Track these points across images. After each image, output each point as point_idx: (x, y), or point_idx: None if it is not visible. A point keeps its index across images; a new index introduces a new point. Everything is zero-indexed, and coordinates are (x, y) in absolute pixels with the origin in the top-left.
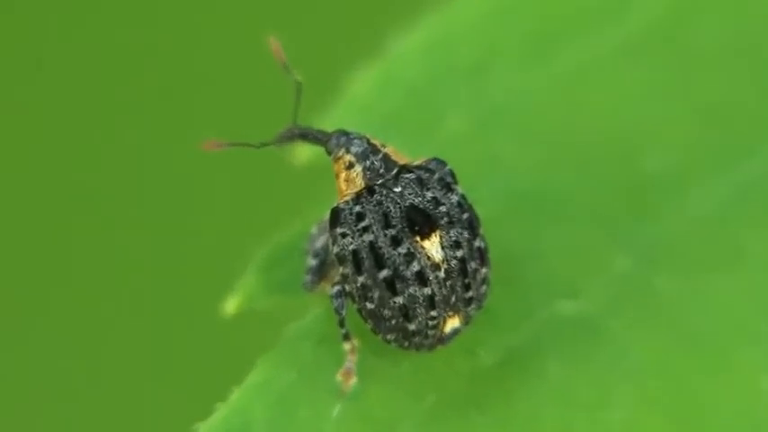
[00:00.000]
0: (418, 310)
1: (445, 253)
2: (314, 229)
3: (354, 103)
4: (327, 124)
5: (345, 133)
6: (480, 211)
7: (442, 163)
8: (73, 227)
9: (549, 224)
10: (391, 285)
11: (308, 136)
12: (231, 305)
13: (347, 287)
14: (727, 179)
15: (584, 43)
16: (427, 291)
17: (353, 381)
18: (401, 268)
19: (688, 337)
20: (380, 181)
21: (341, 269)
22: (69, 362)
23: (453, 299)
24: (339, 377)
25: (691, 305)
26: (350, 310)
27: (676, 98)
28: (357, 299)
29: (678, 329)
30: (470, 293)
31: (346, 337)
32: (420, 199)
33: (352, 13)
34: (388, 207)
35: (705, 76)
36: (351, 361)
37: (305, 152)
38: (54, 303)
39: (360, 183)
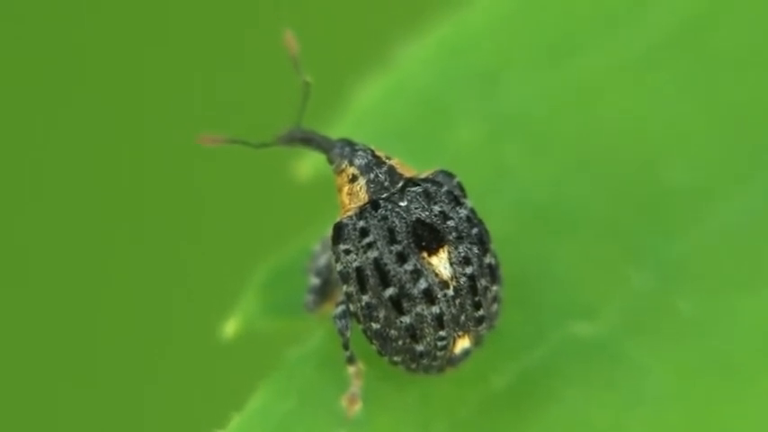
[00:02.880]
0: (426, 330)
1: (454, 269)
2: (316, 247)
3: (362, 112)
4: (334, 133)
5: (350, 143)
6: (491, 225)
7: (450, 175)
8: (70, 241)
9: (563, 240)
10: (397, 304)
11: (310, 141)
12: (230, 327)
13: (351, 307)
14: (753, 192)
15: (601, 50)
16: (435, 309)
17: (358, 406)
18: (408, 286)
19: (713, 361)
20: (385, 195)
21: (344, 288)
22: (65, 381)
23: (463, 318)
24: (343, 402)
25: (715, 326)
26: (355, 331)
27: (698, 108)
28: (362, 319)
29: (702, 352)
30: (481, 312)
31: (351, 361)
32: (427, 213)
33: (358, 19)
34: (393, 222)
35: (728, 85)
36: (356, 385)
37: (307, 166)
38: (50, 320)
39: (363, 196)
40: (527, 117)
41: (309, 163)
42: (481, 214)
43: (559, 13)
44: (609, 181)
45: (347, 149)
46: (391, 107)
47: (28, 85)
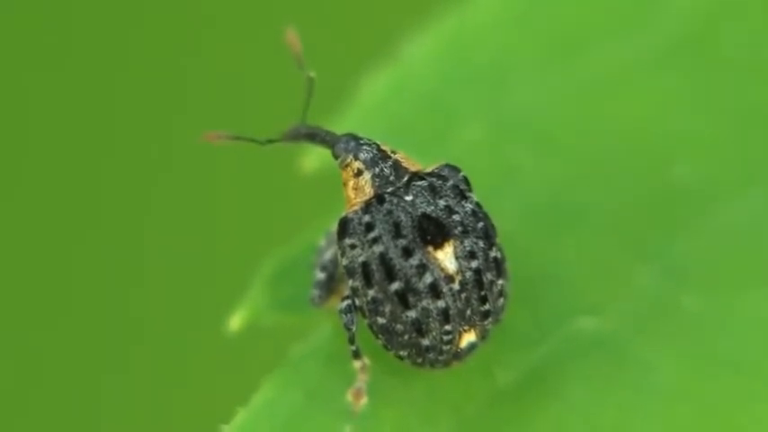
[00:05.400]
0: (432, 325)
1: (459, 264)
2: (322, 242)
3: (366, 109)
4: (339, 129)
5: (355, 138)
6: (497, 223)
7: (456, 169)
8: (78, 237)
9: (569, 238)
10: (403, 299)
11: (315, 137)
12: (235, 322)
13: (357, 301)
14: (758, 191)
15: (609, 49)
16: (441, 304)
17: (364, 401)
18: (413, 280)
19: (718, 358)
20: (391, 189)
21: (350, 282)
22: (69, 375)
23: (469, 312)
24: (349, 397)
25: (720, 324)
26: (361, 325)
27: (705, 107)
28: (368, 313)
29: (708, 350)
30: (487, 306)
31: (356, 355)
32: (432, 207)
33: (364, 15)
34: (398, 216)
35: (735, 85)
36: (361, 380)
37: (312, 161)
38: (57, 316)
39: (369, 191)
40: (533, 116)
41: (315, 158)
42: (491, 216)
43: (567, 13)
44: (614, 180)
45: (352, 144)
46: (396, 105)
47: (36, 85)
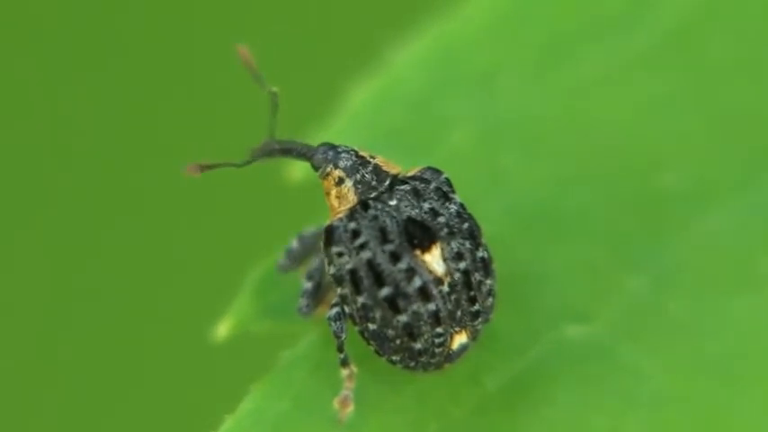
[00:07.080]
0: (423, 328)
1: (447, 265)
2: (294, 243)
3: (354, 116)
4: (326, 138)
5: (332, 147)
6: (485, 228)
7: (437, 172)
8: (66, 243)
9: (557, 243)
10: (393, 304)
11: (291, 151)
12: (223, 329)
13: (347, 309)
14: (746, 197)
15: (595, 54)
16: (431, 306)
17: (350, 409)
18: (402, 285)
19: (707, 364)
20: (374, 194)
21: (339, 290)
22: (57, 383)
23: (459, 313)
24: (336, 405)
25: (708, 329)
26: (351, 331)
27: (693, 112)
28: (358, 320)
29: (695, 355)
30: (476, 307)
31: (344, 363)
32: (417, 211)
33: (350, 22)
34: (384, 221)
35: (723, 90)
36: (348, 388)
37: (298, 169)
38: (44, 321)
39: (352, 198)
40: (521, 120)
41: (301, 166)
42: (475, 217)
43: (554, 16)
44: (602, 185)
45: (330, 153)
46: (383, 111)
47: (26, 89)
